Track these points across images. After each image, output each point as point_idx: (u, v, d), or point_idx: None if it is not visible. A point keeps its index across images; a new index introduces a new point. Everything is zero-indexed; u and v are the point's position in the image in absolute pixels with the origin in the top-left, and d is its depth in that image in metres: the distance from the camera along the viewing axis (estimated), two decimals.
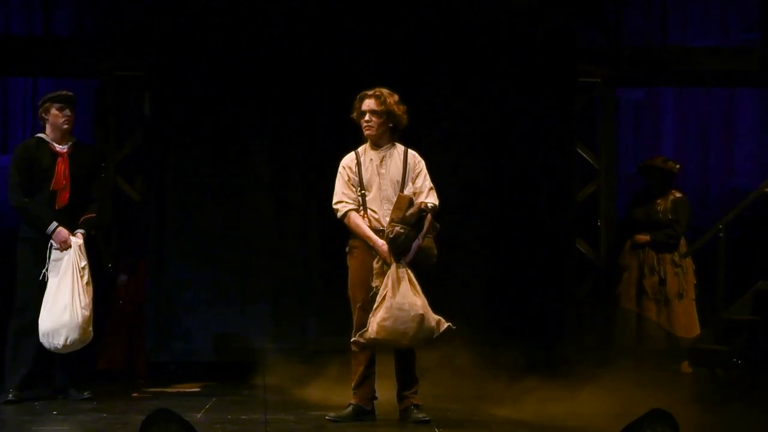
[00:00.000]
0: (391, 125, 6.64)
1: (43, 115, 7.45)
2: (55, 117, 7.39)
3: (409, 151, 6.70)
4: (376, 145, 6.67)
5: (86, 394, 7.36)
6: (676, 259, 9.04)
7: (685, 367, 8.89)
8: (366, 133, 6.65)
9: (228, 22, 8.65)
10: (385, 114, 6.61)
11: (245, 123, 8.66)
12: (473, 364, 7.68)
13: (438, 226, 6.60)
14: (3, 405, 7.14)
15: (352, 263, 6.65)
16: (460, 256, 8.61)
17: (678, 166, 9.25)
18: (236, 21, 8.65)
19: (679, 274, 9.01)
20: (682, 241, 9.13)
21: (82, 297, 7.18)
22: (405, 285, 6.38)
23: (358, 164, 6.65)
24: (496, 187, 8.84)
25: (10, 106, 12.52)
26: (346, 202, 6.63)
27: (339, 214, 6.66)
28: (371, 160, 6.65)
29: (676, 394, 7.14)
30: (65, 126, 7.41)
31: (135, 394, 7.75)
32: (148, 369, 8.56)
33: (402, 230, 6.40)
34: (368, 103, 6.62)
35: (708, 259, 9.27)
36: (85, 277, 7.24)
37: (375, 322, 6.38)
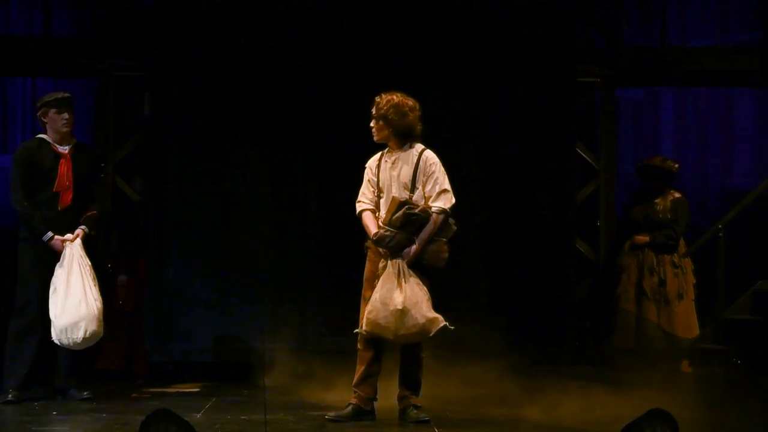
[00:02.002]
0: (391, 129, 6.66)
1: (42, 118, 7.45)
2: (54, 121, 7.40)
3: (425, 153, 6.70)
4: (390, 148, 6.72)
5: (86, 395, 7.36)
6: (676, 260, 9.02)
7: (685, 367, 8.89)
8: (374, 138, 6.73)
9: (228, 22, 8.64)
10: (380, 119, 6.65)
11: (245, 123, 8.65)
12: (472, 364, 7.68)
13: (455, 228, 6.65)
14: (3, 405, 7.14)
15: (366, 261, 6.75)
16: (460, 257, 8.58)
17: (677, 166, 9.23)
18: (236, 21, 8.64)
19: (679, 275, 8.99)
20: (681, 242, 9.12)
21: (93, 289, 7.20)
22: (393, 281, 6.47)
23: (378, 166, 6.72)
24: (496, 187, 8.83)
25: (10, 107, 12.53)
26: (363, 202, 6.75)
27: (357, 213, 6.76)
28: (386, 162, 6.70)
29: (675, 394, 7.14)
30: (65, 129, 7.41)
31: (134, 395, 7.75)
32: (148, 369, 8.55)
33: (387, 233, 6.51)
34: (373, 109, 6.70)
35: (707, 259, 9.27)
36: (91, 272, 7.25)
37: (364, 314, 6.53)
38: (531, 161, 8.87)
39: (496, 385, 7.57)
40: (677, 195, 9.14)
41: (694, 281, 9.03)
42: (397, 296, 6.44)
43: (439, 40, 8.75)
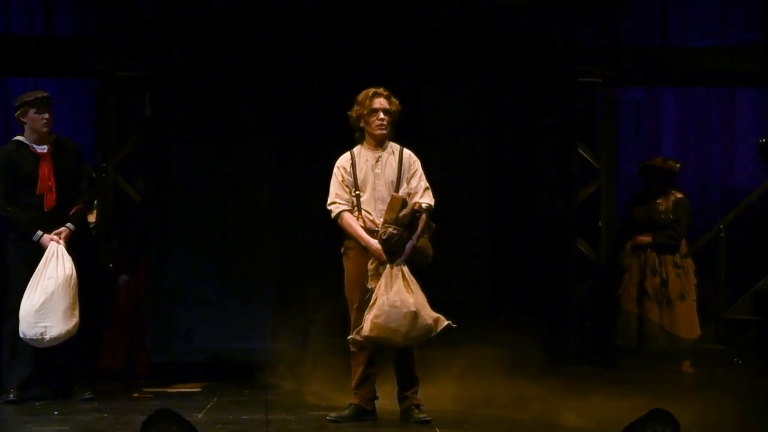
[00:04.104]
0: (392, 126, 6.64)
1: (21, 118, 7.41)
2: (34, 121, 7.36)
3: (405, 150, 6.68)
4: (378, 146, 6.66)
5: (87, 395, 7.36)
6: (678, 260, 9.02)
7: (686, 367, 8.89)
8: (379, 132, 6.61)
9: (228, 22, 8.65)
10: (391, 115, 6.61)
11: (245, 123, 8.65)
12: (474, 365, 7.68)
13: (433, 225, 6.61)
14: (4, 405, 7.14)
15: (348, 264, 6.67)
16: (461, 257, 8.60)
17: (678, 166, 9.23)
18: (236, 21, 8.65)
19: (681, 275, 8.99)
20: (683, 242, 9.12)
21: (62, 291, 7.09)
22: (399, 283, 6.38)
23: (353, 165, 6.64)
24: (497, 188, 8.83)
25: (10, 107, 12.52)
26: (339, 203, 6.63)
27: (332, 215, 6.67)
28: (366, 160, 6.64)
29: (677, 394, 7.15)
30: (45, 129, 7.37)
31: (135, 395, 7.75)
32: (149, 369, 8.55)
33: (395, 231, 6.41)
34: (382, 102, 6.60)
35: (708, 259, 9.28)
36: (65, 271, 7.18)
37: (369, 320, 6.39)
38: (532, 161, 8.88)
39: (498, 386, 7.56)
40: (679, 195, 9.14)
41: (696, 281, 9.03)
42: (408, 298, 6.36)
43: (439, 40, 8.75)
